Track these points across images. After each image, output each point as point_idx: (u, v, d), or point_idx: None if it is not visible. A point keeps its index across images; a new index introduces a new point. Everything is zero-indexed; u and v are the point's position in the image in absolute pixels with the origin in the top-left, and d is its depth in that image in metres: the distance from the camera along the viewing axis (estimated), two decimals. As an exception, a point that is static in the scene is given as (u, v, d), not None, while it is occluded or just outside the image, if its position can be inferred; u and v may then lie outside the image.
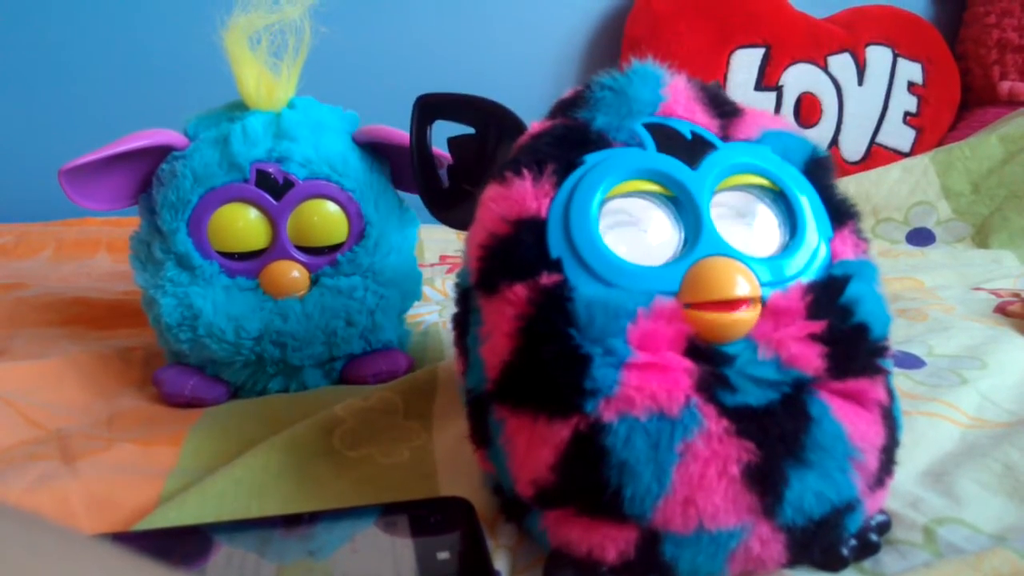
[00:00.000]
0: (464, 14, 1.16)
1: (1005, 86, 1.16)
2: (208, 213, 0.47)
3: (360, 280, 0.50)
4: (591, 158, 0.30)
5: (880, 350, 0.29)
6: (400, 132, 0.50)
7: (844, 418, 0.27)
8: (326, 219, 0.49)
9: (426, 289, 0.69)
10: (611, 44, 1.20)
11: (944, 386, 0.45)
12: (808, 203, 0.31)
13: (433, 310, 0.66)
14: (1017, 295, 0.64)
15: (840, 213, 0.31)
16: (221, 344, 0.47)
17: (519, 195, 0.29)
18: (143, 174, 0.49)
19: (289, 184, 0.48)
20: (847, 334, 0.28)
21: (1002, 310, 0.60)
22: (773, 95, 1.13)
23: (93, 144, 0.46)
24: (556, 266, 0.28)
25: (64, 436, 0.42)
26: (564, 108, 0.33)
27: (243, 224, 0.48)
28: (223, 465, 0.39)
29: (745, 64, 1.12)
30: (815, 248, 0.30)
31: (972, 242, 0.86)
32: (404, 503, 0.34)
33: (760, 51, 1.12)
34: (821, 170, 0.32)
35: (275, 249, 0.49)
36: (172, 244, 0.48)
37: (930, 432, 0.40)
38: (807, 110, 1.14)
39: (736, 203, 0.31)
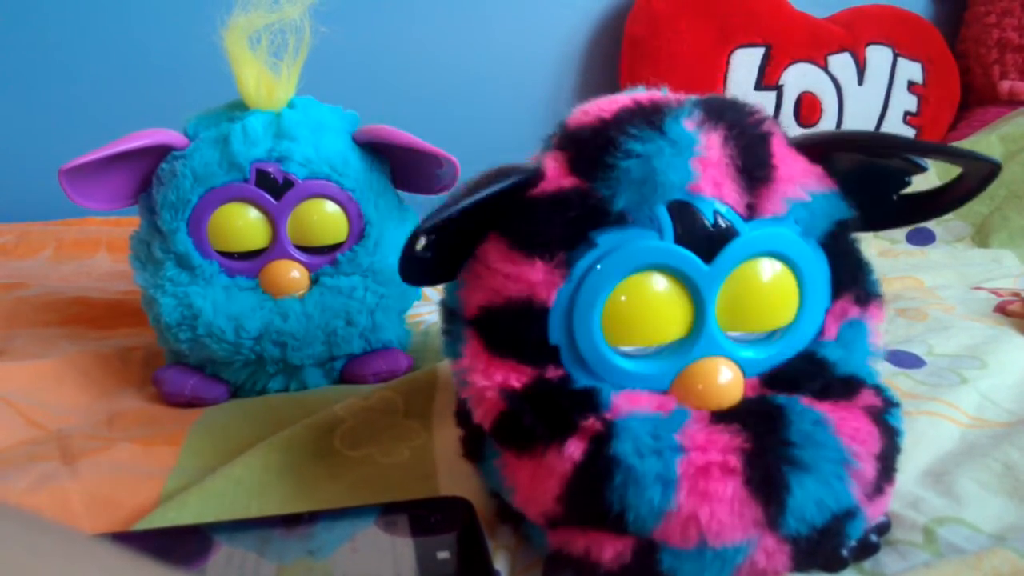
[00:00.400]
0: (464, 14, 1.16)
1: (1005, 85, 1.16)
2: (208, 213, 0.47)
3: (360, 280, 0.50)
4: (604, 240, 0.28)
5: (846, 381, 0.30)
6: (400, 132, 0.50)
7: (828, 412, 0.28)
8: (326, 219, 0.49)
9: (426, 289, 0.69)
10: (611, 44, 1.20)
11: (944, 386, 0.45)
12: (815, 284, 0.30)
13: (433, 310, 0.66)
14: (1017, 295, 0.64)
15: (845, 282, 0.31)
16: (221, 344, 0.47)
17: (528, 279, 0.28)
18: (143, 174, 0.49)
19: (289, 184, 0.48)
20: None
21: (1002, 310, 0.60)
22: (773, 95, 1.13)
23: (93, 144, 0.46)
24: (553, 353, 0.29)
25: (64, 436, 0.42)
26: (582, 163, 0.29)
27: (243, 224, 0.48)
28: (223, 465, 0.39)
29: (745, 64, 1.12)
30: (804, 337, 0.31)
31: (972, 241, 0.86)
32: (404, 503, 0.34)
33: (760, 51, 1.12)
34: (840, 238, 0.31)
35: (275, 249, 0.49)
36: (172, 244, 0.48)
37: (930, 432, 0.40)
38: (807, 110, 1.14)
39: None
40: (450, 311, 0.32)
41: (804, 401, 0.28)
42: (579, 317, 0.28)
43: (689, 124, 0.29)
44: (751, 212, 0.29)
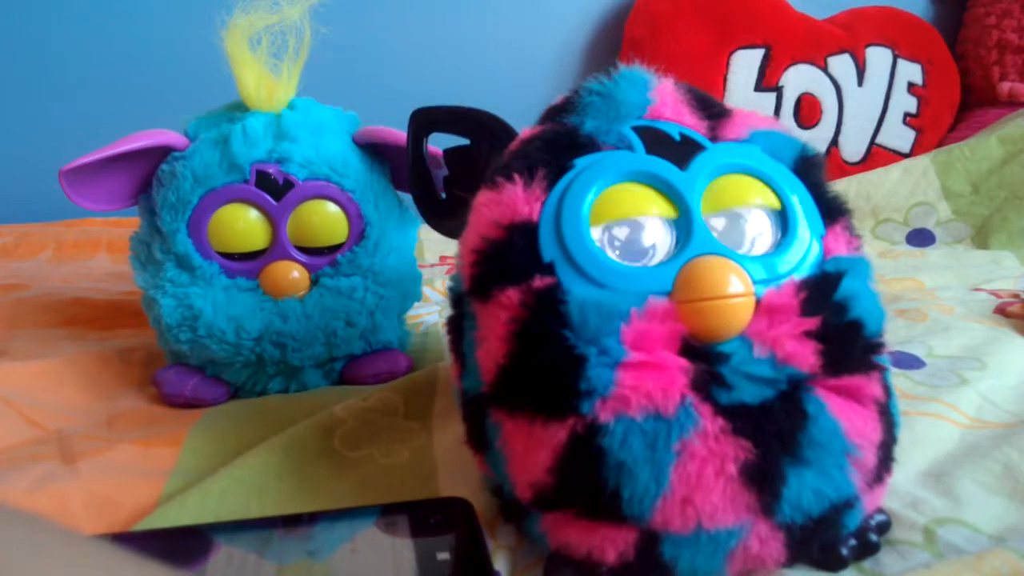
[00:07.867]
0: (464, 14, 1.16)
1: (1005, 87, 1.16)
2: (208, 214, 0.47)
3: (360, 280, 0.50)
4: (581, 162, 0.30)
5: (875, 346, 0.29)
6: (400, 133, 0.50)
7: (840, 415, 0.27)
8: (326, 220, 0.49)
9: (426, 290, 0.69)
10: (611, 44, 1.20)
11: (944, 387, 0.45)
12: (799, 201, 0.31)
13: (433, 311, 0.66)
14: (1017, 296, 0.64)
15: (831, 210, 0.31)
16: (221, 345, 0.47)
17: (511, 200, 0.29)
18: (143, 175, 0.49)
19: (289, 185, 0.48)
20: (841, 331, 0.28)
21: (1002, 311, 0.60)
22: (773, 96, 1.13)
23: (93, 145, 0.46)
24: (549, 269, 0.28)
25: (64, 437, 0.42)
26: (553, 114, 0.33)
27: (243, 225, 0.48)
28: (223, 465, 0.39)
29: (745, 65, 1.12)
30: (807, 245, 0.30)
31: (972, 243, 0.86)
32: (404, 503, 0.34)
33: (760, 52, 1.12)
34: (811, 168, 0.32)
35: (275, 250, 0.49)
36: (172, 245, 0.48)
37: (930, 432, 0.40)
38: (807, 111, 1.14)
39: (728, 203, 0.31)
40: (456, 295, 0.32)
41: (817, 391, 0.27)
42: (567, 222, 0.29)
43: (641, 72, 0.33)
44: (714, 137, 0.32)
